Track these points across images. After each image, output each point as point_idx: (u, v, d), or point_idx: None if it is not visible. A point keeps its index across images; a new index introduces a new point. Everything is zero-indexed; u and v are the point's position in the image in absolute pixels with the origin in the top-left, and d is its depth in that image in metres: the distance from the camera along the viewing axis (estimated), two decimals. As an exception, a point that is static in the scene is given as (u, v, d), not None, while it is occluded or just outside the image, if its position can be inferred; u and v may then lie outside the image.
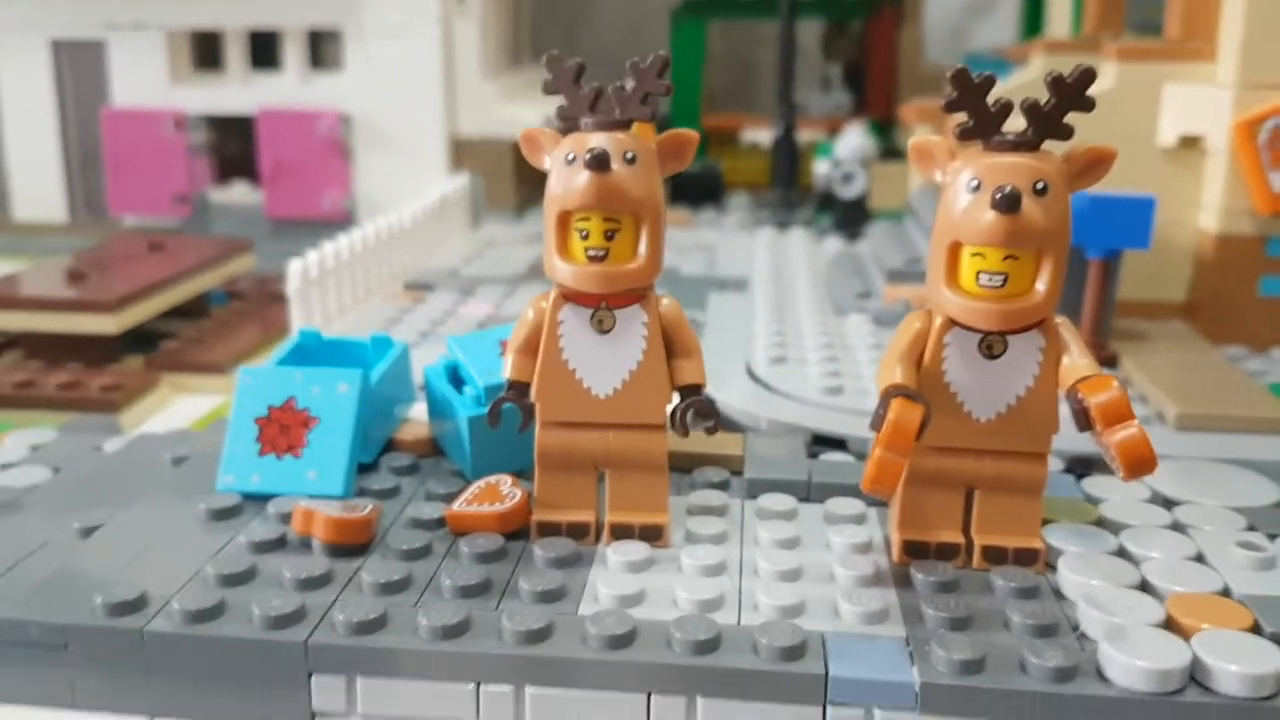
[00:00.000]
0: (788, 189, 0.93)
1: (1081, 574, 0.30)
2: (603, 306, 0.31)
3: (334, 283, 0.59)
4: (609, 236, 0.30)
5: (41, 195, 0.95)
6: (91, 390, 0.52)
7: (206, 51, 0.94)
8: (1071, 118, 0.28)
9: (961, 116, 0.27)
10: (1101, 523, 0.34)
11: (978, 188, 0.27)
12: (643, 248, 0.30)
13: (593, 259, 0.30)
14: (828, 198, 0.87)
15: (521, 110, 0.90)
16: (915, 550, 0.31)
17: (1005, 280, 0.28)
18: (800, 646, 0.26)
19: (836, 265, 0.71)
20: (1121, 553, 0.32)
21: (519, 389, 0.32)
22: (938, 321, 0.30)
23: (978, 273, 0.28)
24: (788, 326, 0.56)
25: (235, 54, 0.91)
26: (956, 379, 0.30)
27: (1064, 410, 0.30)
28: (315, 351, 0.40)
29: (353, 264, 0.61)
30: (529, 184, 0.94)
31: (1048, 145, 0.28)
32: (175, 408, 0.54)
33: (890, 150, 0.95)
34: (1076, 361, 0.29)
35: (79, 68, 0.93)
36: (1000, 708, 0.26)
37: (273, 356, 0.39)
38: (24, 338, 0.60)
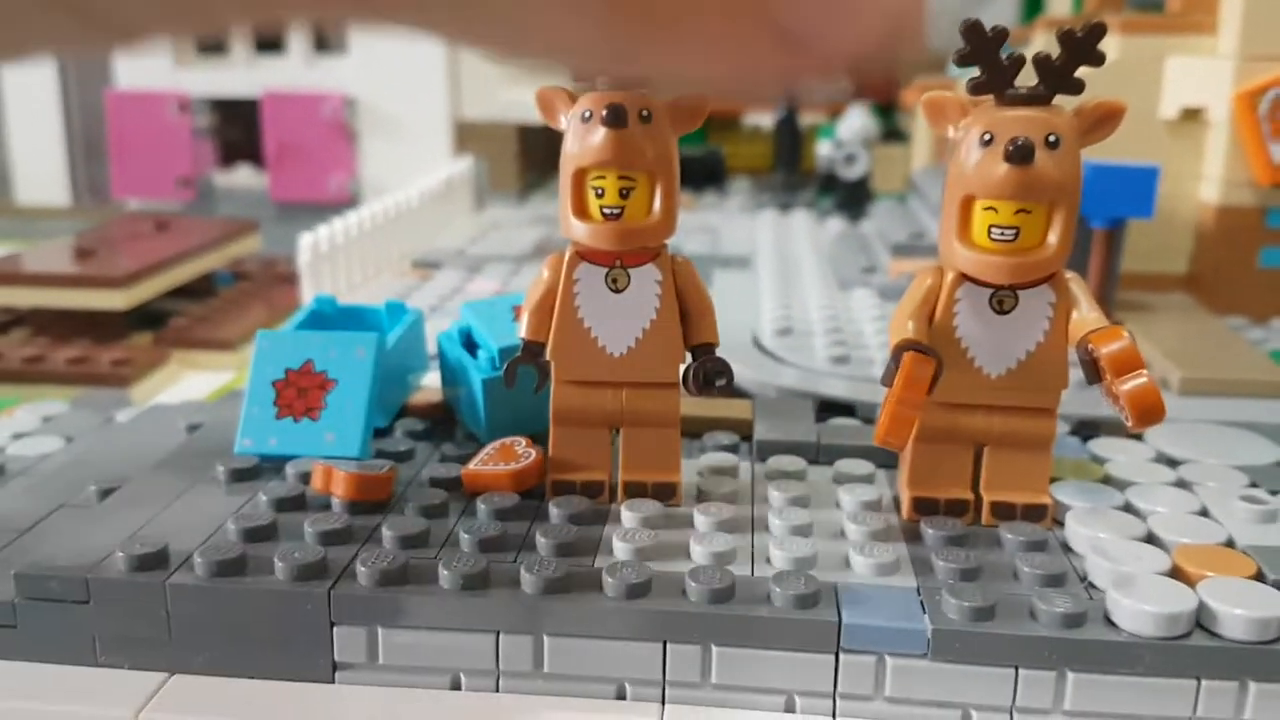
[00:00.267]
0: (790, 172, 0.93)
1: (1089, 527, 0.30)
2: (617, 265, 0.32)
3: (344, 259, 0.59)
4: (624, 194, 0.30)
5: (44, 179, 0.95)
6: (101, 365, 0.53)
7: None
8: None
9: (974, 71, 0.28)
10: (1108, 481, 0.34)
11: (990, 141, 0.28)
12: (657, 205, 0.31)
13: (608, 217, 0.31)
14: (830, 179, 0.88)
15: (526, 93, 0.90)
16: (925, 507, 0.32)
17: (1017, 234, 0.29)
18: (814, 595, 0.27)
19: (840, 243, 0.71)
20: (1128, 508, 0.32)
21: (534, 349, 0.32)
22: (949, 277, 0.30)
23: (990, 227, 0.29)
24: (793, 301, 0.57)
25: (239, 37, 0.91)
26: (967, 334, 0.31)
27: (1074, 375, 0.30)
28: (331, 318, 0.40)
29: (362, 241, 0.62)
30: (533, 168, 0.95)
31: (1059, 101, 0.28)
32: (185, 383, 0.55)
33: (891, 132, 0.96)
34: (1086, 315, 0.29)
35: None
36: (1010, 654, 0.26)
37: (289, 321, 0.39)
38: (31, 315, 0.60)
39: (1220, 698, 0.26)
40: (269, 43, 0.93)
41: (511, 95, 0.91)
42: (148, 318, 0.62)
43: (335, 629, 0.28)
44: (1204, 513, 0.32)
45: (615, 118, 0.30)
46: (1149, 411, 0.28)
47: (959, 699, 0.26)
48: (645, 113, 0.30)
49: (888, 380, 0.29)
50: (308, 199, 0.90)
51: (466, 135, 0.91)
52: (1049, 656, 0.26)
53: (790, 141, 0.94)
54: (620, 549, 0.29)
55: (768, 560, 0.29)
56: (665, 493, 0.33)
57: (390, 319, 0.41)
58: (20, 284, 0.58)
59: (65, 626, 0.29)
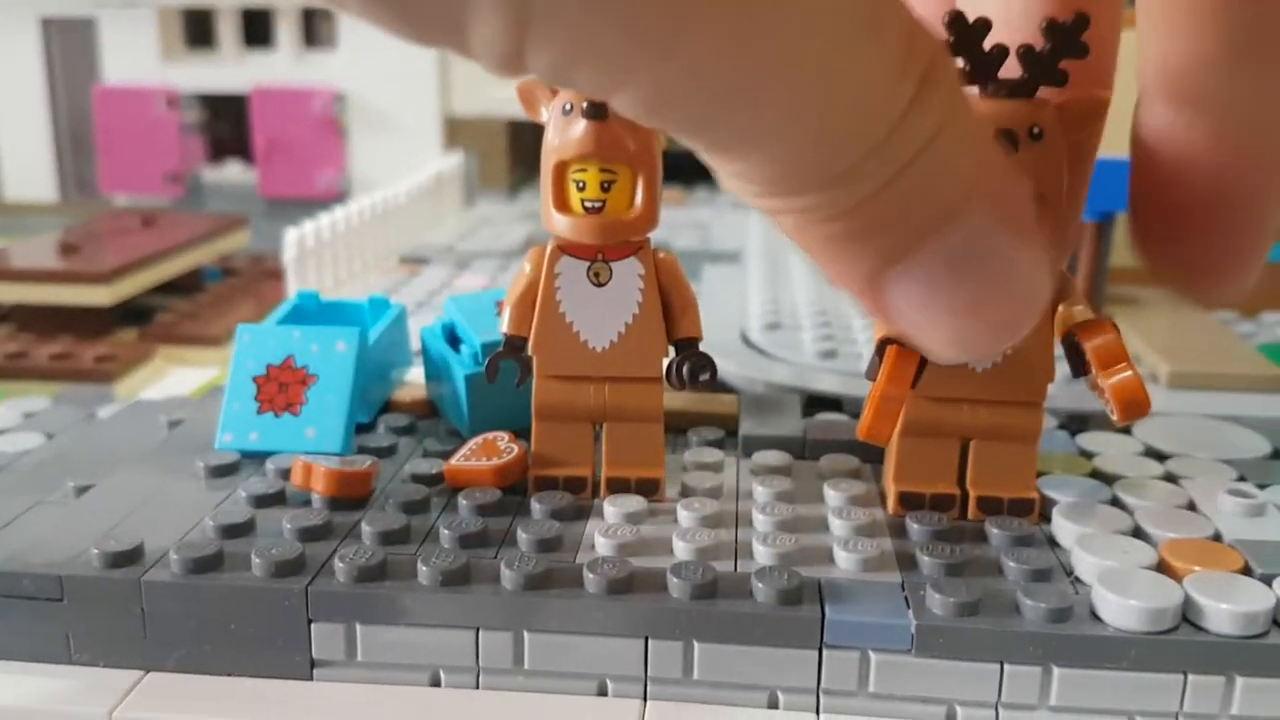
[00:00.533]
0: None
1: (1076, 522, 0.30)
2: (599, 259, 0.31)
3: (330, 255, 0.59)
4: (605, 188, 0.30)
5: (32, 175, 0.95)
6: (85, 360, 0.52)
7: (199, 29, 0.94)
8: None
9: (958, 61, 0.27)
10: (1096, 475, 0.34)
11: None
12: (639, 199, 0.30)
13: (590, 210, 0.30)
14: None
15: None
16: (911, 502, 0.31)
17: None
18: (797, 590, 0.27)
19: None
20: (1115, 502, 0.32)
21: (516, 344, 0.32)
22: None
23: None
24: (782, 295, 0.56)
25: (228, 31, 0.91)
26: (952, 329, 0.30)
27: (1062, 369, 0.30)
28: (313, 313, 0.40)
29: (349, 237, 0.61)
30: (523, 164, 0.94)
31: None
32: (170, 379, 0.54)
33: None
34: (1072, 307, 0.29)
35: (69, 46, 0.93)
36: (996, 649, 0.26)
37: (271, 316, 0.39)
38: (15, 311, 0.59)
39: (1207, 692, 0.26)
40: (258, 37, 0.92)
41: (502, 91, 0.90)
42: (134, 314, 0.61)
43: (313, 626, 0.28)
44: (1191, 507, 0.32)
45: (596, 110, 0.29)
46: (1134, 405, 0.27)
47: (944, 695, 0.26)
48: (627, 104, 0.30)
49: (872, 374, 0.29)
50: (297, 195, 0.89)
51: (457, 131, 0.91)
52: (1034, 652, 0.26)
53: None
54: (602, 544, 0.29)
55: (751, 556, 0.29)
56: (648, 488, 0.32)
57: (373, 314, 0.40)
58: (4, 279, 0.57)
59: (38, 624, 0.28)
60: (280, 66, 0.90)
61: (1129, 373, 0.27)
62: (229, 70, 0.91)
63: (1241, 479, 0.34)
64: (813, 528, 0.31)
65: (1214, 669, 0.25)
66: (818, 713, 0.27)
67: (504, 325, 0.32)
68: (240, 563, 0.28)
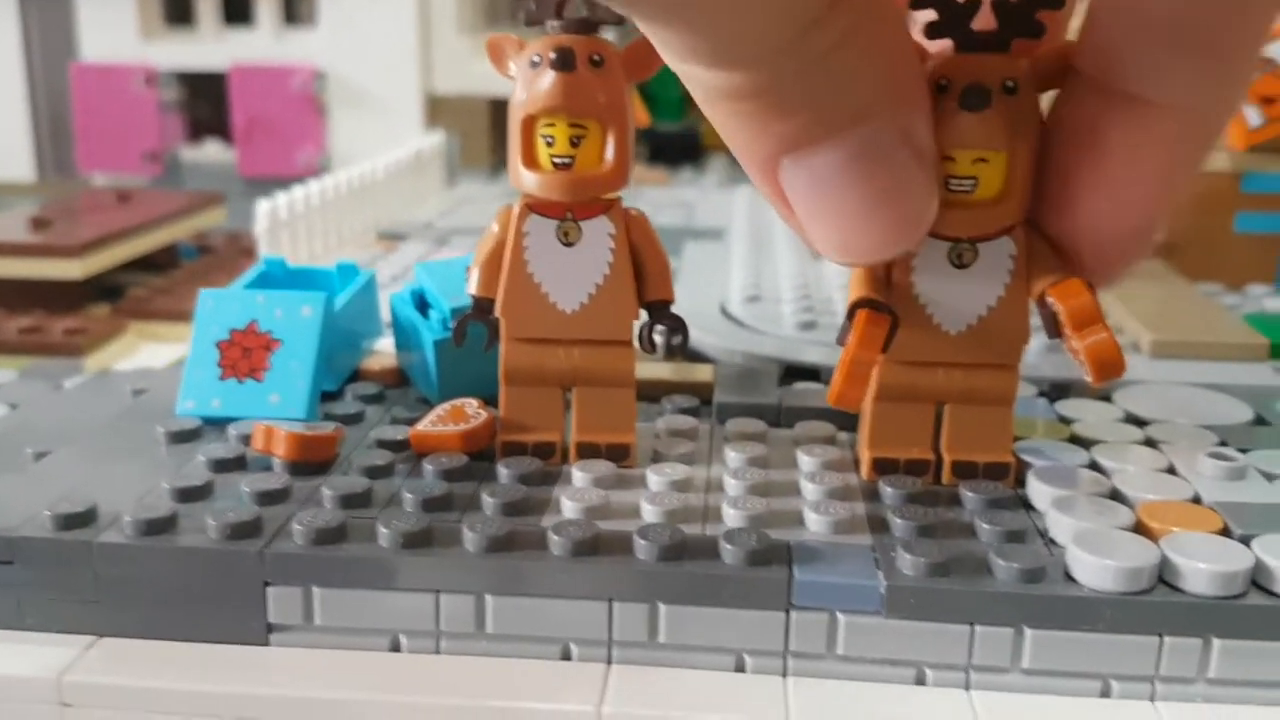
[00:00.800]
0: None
1: (1052, 485, 0.29)
2: (569, 218, 0.31)
3: (305, 228, 0.58)
4: (574, 143, 0.29)
5: (8, 154, 0.94)
6: (54, 334, 0.51)
7: (178, 6, 0.93)
8: None
9: (930, 14, 0.27)
10: (1075, 440, 0.33)
11: (945, 88, 0.27)
12: (609, 155, 0.30)
13: (558, 166, 0.30)
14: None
15: (498, 67, 0.89)
16: (885, 468, 0.31)
17: (975, 184, 0.28)
18: (765, 551, 0.26)
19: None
20: (1094, 466, 0.31)
21: (483, 305, 0.31)
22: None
23: (947, 178, 0.28)
24: (763, 269, 0.56)
25: (207, 9, 0.90)
26: (926, 291, 0.30)
27: (1042, 336, 0.29)
28: (280, 279, 0.39)
29: (324, 211, 0.60)
30: (506, 144, 0.93)
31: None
32: (142, 354, 0.53)
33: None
34: (1046, 268, 0.28)
35: (47, 22, 0.92)
36: (966, 610, 0.25)
37: (236, 281, 0.38)
38: (-13, 286, 0.58)
39: (1183, 655, 0.25)
40: (237, 15, 0.91)
41: (484, 69, 0.89)
42: (108, 290, 0.60)
43: (270, 589, 0.27)
44: (1171, 470, 0.31)
45: (564, 62, 0.28)
46: (1108, 365, 0.27)
47: (913, 657, 0.26)
48: (597, 58, 0.29)
49: (842, 339, 0.28)
50: (277, 173, 0.88)
51: (438, 109, 0.90)
52: (1006, 613, 0.25)
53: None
54: (569, 508, 0.29)
55: (721, 519, 0.28)
56: (619, 454, 0.32)
57: (342, 281, 0.40)
58: (-27, 253, 0.56)
59: (-11, 589, 0.27)
60: (260, 44, 0.89)
61: (1103, 334, 0.27)
62: (208, 48, 0.89)
63: (1223, 444, 0.33)
64: (784, 492, 0.30)
65: (1191, 630, 0.25)
66: (785, 675, 0.26)
67: (471, 286, 0.32)
68: (197, 527, 0.27)
